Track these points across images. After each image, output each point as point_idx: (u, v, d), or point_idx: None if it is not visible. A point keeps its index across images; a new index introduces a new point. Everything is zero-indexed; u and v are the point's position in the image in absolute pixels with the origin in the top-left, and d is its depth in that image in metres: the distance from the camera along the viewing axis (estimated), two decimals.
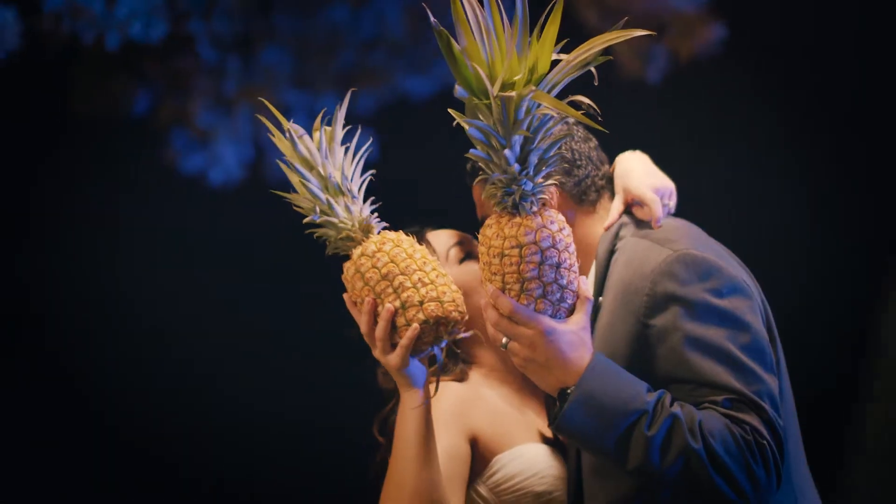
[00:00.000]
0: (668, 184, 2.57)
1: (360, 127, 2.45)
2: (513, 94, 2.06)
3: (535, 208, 2.18)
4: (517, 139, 2.11)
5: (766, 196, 4.93)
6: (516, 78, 2.07)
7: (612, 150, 2.69)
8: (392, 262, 2.33)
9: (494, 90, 2.06)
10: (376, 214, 2.43)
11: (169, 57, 4.84)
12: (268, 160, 4.98)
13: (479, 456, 2.59)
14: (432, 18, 2.09)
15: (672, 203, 2.56)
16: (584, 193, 2.54)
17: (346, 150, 2.42)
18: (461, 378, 2.68)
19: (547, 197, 2.21)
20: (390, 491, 2.39)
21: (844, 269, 4.60)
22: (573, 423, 2.23)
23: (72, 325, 5.07)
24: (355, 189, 2.40)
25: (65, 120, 4.95)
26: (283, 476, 5.14)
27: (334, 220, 2.37)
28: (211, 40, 4.80)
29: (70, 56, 4.71)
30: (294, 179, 2.39)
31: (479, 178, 2.20)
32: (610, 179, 2.59)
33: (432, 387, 2.41)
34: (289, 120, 2.43)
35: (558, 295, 2.20)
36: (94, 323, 5.10)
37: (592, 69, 2.14)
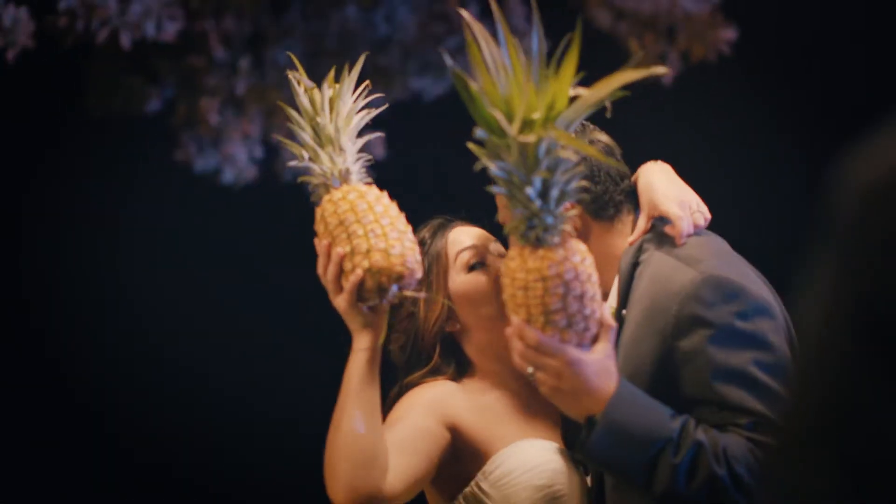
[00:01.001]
0: (691, 196, 2.56)
1: (368, 84, 2.52)
2: (532, 137, 2.04)
3: (556, 240, 2.18)
4: (538, 177, 2.10)
5: (767, 197, 4.93)
6: (535, 116, 2.05)
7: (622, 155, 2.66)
8: (351, 209, 2.43)
9: (514, 131, 2.04)
10: (363, 171, 2.51)
11: (181, 56, 4.83)
12: (279, 159, 4.98)
13: (470, 449, 2.63)
14: (448, 61, 2.10)
15: (704, 210, 2.54)
16: (601, 209, 2.53)
17: (351, 110, 2.51)
18: (454, 379, 2.71)
19: (569, 228, 2.21)
20: (330, 433, 2.46)
21: None
22: (600, 450, 2.27)
23: (72, 325, 5.06)
24: (346, 143, 2.49)
25: (66, 119, 4.93)
26: (284, 475, 5.14)
27: (315, 166, 2.48)
28: (223, 39, 4.79)
29: (83, 54, 4.71)
30: (294, 127, 2.51)
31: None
32: (630, 193, 2.57)
33: (381, 334, 2.49)
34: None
35: (582, 325, 2.21)
36: (95, 323, 5.10)
37: (607, 103, 2.15)
